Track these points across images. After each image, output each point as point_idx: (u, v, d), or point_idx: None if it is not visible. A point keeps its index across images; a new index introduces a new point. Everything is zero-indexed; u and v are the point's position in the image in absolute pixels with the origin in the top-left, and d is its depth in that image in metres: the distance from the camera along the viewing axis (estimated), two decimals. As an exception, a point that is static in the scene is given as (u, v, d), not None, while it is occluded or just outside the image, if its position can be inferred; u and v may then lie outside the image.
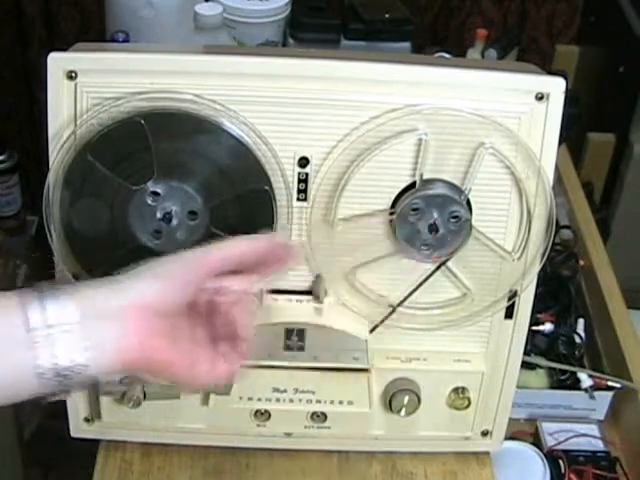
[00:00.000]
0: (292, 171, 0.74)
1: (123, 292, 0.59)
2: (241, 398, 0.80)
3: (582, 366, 1.03)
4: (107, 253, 0.74)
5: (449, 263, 0.76)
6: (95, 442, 0.86)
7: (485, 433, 0.86)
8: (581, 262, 1.15)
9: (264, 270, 0.66)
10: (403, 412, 0.81)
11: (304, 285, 0.78)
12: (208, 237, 0.73)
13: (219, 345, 0.64)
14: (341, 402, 0.81)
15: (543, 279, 0.93)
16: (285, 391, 0.80)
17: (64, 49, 0.72)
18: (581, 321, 1.08)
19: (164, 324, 0.60)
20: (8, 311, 0.56)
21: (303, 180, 0.74)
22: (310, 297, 0.78)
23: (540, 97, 0.72)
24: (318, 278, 0.77)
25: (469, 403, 0.82)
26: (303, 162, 0.73)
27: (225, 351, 0.64)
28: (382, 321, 0.79)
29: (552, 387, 1.01)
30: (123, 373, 0.59)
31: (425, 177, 0.73)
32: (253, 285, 0.65)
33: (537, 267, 0.77)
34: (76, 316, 0.56)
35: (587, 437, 0.96)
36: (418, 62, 0.73)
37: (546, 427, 0.97)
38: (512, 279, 0.78)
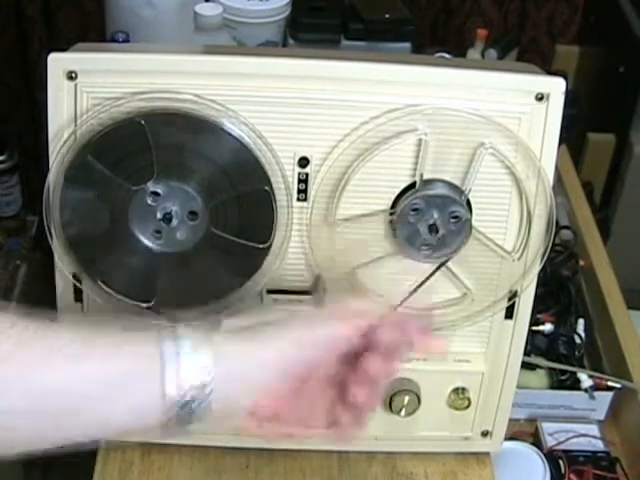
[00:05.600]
0: (292, 171, 0.74)
1: (263, 348, 0.59)
2: (241, 398, 0.80)
3: (582, 366, 1.03)
4: (107, 253, 0.74)
5: (449, 263, 0.76)
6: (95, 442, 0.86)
7: (485, 433, 0.86)
8: (581, 262, 1.15)
9: (403, 352, 0.62)
10: (403, 412, 0.81)
11: (304, 285, 0.78)
12: (208, 237, 0.73)
13: (340, 410, 0.63)
14: (341, 402, 0.81)
15: (543, 279, 0.93)
16: (285, 391, 0.80)
17: (64, 49, 0.72)
18: (581, 321, 1.08)
19: (293, 383, 0.59)
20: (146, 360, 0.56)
21: (303, 180, 0.74)
22: (310, 297, 0.78)
23: (540, 97, 0.72)
24: (318, 278, 0.77)
25: (469, 403, 0.82)
26: (303, 162, 0.73)
27: (343, 418, 0.62)
28: (382, 321, 0.79)
29: (552, 387, 1.01)
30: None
31: (425, 177, 0.73)
32: (393, 371, 0.61)
33: (537, 267, 0.77)
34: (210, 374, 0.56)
35: (587, 437, 0.96)
36: (418, 62, 0.73)
37: (546, 427, 0.97)
38: (512, 279, 0.77)
